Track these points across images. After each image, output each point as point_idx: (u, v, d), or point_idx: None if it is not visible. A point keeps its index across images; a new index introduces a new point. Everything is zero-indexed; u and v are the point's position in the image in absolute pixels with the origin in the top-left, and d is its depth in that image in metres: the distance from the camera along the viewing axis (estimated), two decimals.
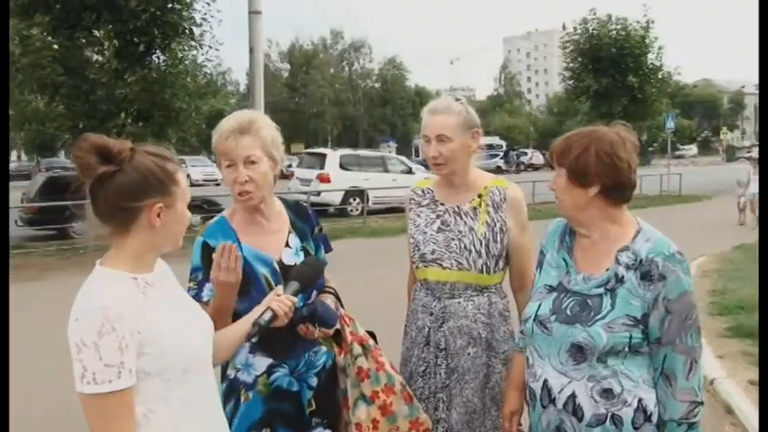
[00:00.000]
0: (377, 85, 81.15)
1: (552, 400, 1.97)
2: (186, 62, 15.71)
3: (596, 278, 1.97)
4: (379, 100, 78.48)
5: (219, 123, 2.27)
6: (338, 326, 2.32)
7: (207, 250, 2.24)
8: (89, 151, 1.59)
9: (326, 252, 2.51)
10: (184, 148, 18.83)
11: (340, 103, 75.58)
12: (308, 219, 2.48)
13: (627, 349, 1.89)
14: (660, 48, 26.88)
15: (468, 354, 2.51)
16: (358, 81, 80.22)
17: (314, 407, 2.33)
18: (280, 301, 1.96)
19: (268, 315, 1.93)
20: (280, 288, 2.04)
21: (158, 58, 15.30)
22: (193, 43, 15.47)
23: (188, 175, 28.04)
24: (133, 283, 1.63)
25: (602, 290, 1.94)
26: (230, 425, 2.25)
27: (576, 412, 1.92)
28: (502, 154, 52.52)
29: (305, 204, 2.54)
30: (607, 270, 1.95)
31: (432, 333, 2.54)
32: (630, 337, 1.88)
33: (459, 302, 2.51)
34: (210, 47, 15.88)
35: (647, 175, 22.10)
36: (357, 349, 2.33)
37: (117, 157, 1.61)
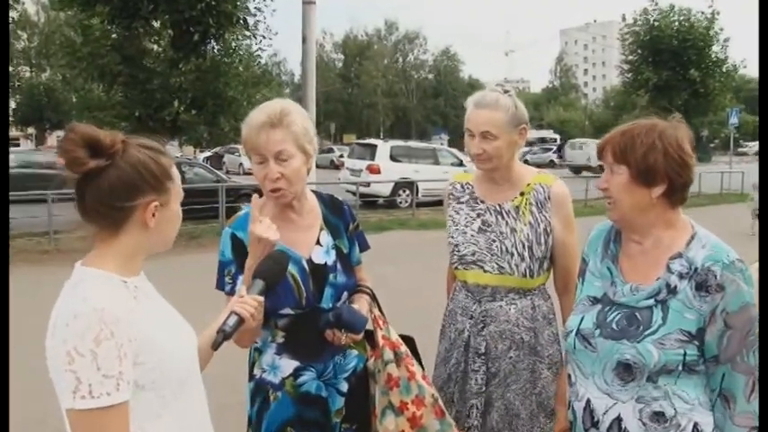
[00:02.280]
0: (430, 76, 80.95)
1: (595, 424, 1.81)
2: (240, 51, 15.88)
3: (645, 289, 1.80)
4: (431, 91, 78.31)
5: (249, 116, 2.14)
6: (371, 327, 2.22)
7: (237, 243, 2.16)
8: (78, 144, 1.42)
9: (363, 250, 2.39)
10: (236, 137, 19.05)
11: (393, 95, 75.62)
12: (343, 214, 2.35)
13: (680, 368, 1.72)
14: (726, 40, 25.96)
15: (510, 357, 2.38)
16: (411, 72, 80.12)
17: (344, 413, 2.22)
18: (243, 302, 1.79)
19: (233, 320, 1.74)
20: (243, 289, 1.88)
21: (212, 47, 15.50)
22: (247, 33, 15.65)
23: (240, 164, 28.39)
24: (123, 287, 1.48)
25: (651, 302, 1.78)
26: (258, 424, 2.20)
27: None
28: (555, 148, 51.57)
29: (340, 199, 2.41)
30: (657, 280, 1.79)
31: (471, 337, 2.42)
32: (685, 355, 1.71)
33: (501, 306, 2.39)
34: (264, 36, 16.04)
35: (708, 173, 21.37)
36: (388, 355, 2.21)
37: (109, 151, 1.45)
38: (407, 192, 18.91)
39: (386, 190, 19.09)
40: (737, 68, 27.34)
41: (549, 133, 60.14)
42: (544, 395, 2.39)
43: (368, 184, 18.64)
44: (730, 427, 1.73)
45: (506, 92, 2.40)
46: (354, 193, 16.73)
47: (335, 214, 2.33)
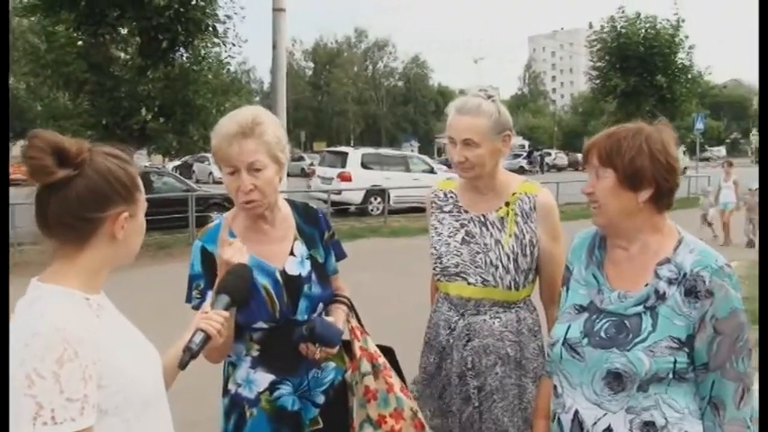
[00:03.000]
0: (400, 83, 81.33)
1: None
2: (209, 59, 15.71)
3: (634, 295, 1.75)
4: (401, 99, 78.64)
5: (218, 124, 2.05)
6: (348, 338, 2.15)
7: (207, 256, 2.07)
8: (45, 151, 1.33)
9: (339, 259, 2.32)
10: (206, 145, 18.87)
11: (363, 102, 75.79)
12: (318, 223, 2.27)
13: (671, 376, 1.68)
14: (690, 47, 26.42)
15: (497, 373, 2.31)
16: (381, 79, 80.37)
17: (321, 424, 2.15)
18: (208, 318, 1.69)
19: (199, 337, 1.64)
20: (207, 305, 1.79)
21: (181, 54, 15.31)
22: (216, 40, 15.48)
23: (210, 173, 28.09)
24: (86, 305, 1.40)
25: (640, 308, 1.73)
26: None
27: None
28: (525, 154, 52.06)
29: (315, 207, 2.34)
30: (646, 286, 1.74)
31: (455, 351, 2.35)
32: (675, 362, 1.67)
33: (485, 320, 2.32)
34: (234, 44, 15.90)
35: None
36: (366, 366, 2.15)
37: (76, 159, 1.37)
38: (379, 199, 18.90)
39: (357, 197, 19.08)
40: (702, 75, 27.83)
41: (518, 140, 60.63)
42: (529, 410, 2.32)
43: (339, 192, 18.62)
44: None
45: (490, 97, 2.32)
46: (326, 201, 16.69)
47: (310, 223, 2.26)
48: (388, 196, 18.20)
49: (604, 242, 1.90)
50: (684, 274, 1.70)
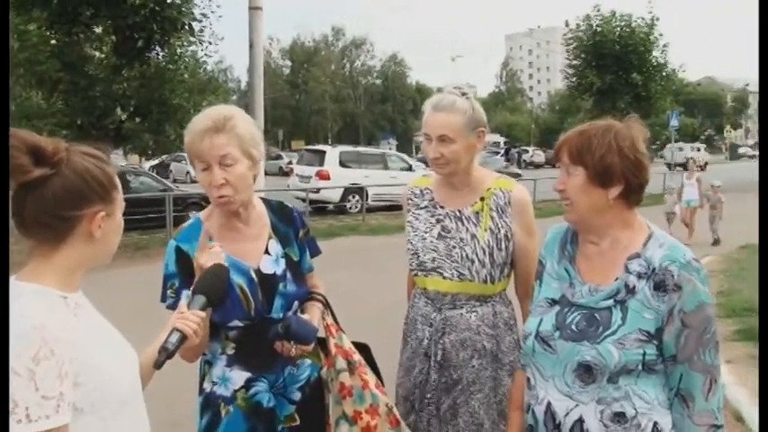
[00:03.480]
0: (378, 81, 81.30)
1: (557, 426, 1.78)
2: (185, 58, 15.60)
3: (604, 289, 1.78)
4: (379, 97, 78.61)
5: (191, 122, 2.06)
6: (323, 335, 2.17)
7: (181, 256, 2.07)
8: (21, 150, 1.33)
9: (314, 256, 2.33)
10: (183, 145, 18.72)
11: (341, 100, 75.64)
12: (293, 221, 2.28)
13: (640, 367, 1.71)
14: (665, 45, 26.76)
15: (473, 366, 2.35)
16: (359, 78, 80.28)
17: (297, 422, 2.17)
18: (184, 318, 1.69)
19: (175, 337, 1.64)
20: (184, 305, 1.78)
21: (157, 53, 15.18)
22: (192, 39, 15.37)
23: (187, 172, 27.82)
24: (63, 303, 1.40)
25: (611, 302, 1.76)
26: None
27: None
28: (503, 151, 52.30)
29: (290, 206, 2.35)
30: (616, 280, 1.77)
31: (432, 345, 2.38)
32: (644, 354, 1.70)
33: (462, 314, 2.35)
34: (210, 42, 15.80)
35: (651, 173, 21.88)
36: (341, 363, 2.18)
37: (52, 158, 1.37)
38: (357, 197, 18.90)
39: (335, 196, 19.06)
40: (677, 72, 28.19)
41: (495, 137, 61.03)
42: (504, 403, 2.36)
43: (317, 191, 18.59)
44: (689, 426, 1.72)
45: (464, 94, 2.36)
46: (304, 200, 16.65)
47: (285, 222, 2.27)
48: (367, 194, 18.19)
49: (576, 237, 1.93)
50: (653, 269, 1.73)
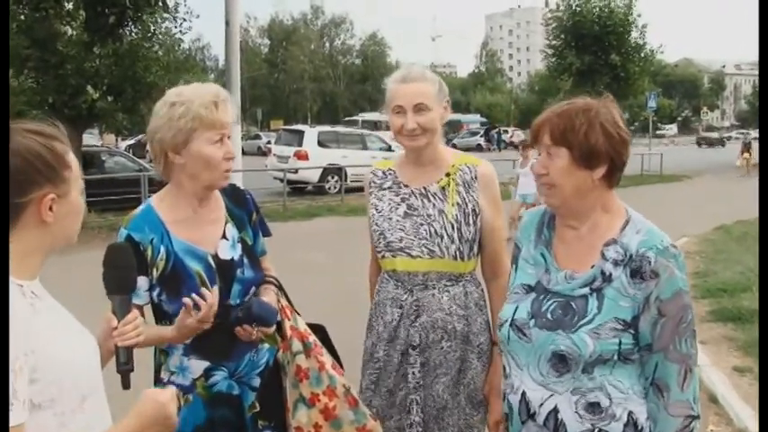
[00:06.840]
0: (357, 61, 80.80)
1: (531, 416, 1.74)
2: (159, 35, 15.27)
3: (580, 277, 1.72)
4: (359, 76, 78.16)
5: (189, 98, 2.02)
6: (279, 318, 2.12)
7: (133, 245, 1.97)
8: None
9: (265, 236, 2.28)
10: None
11: (320, 80, 75.13)
12: (246, 204, 2.23)
13: (616, 357, 1.67)
14: (644, 26, 26.80)
15: (442, 347, 2.29)
16: (338, 57, 79.73)
17: (258, 408, 2.13)
18: (120, 333, 1.57)
19: (124, 355, 1.55)
20: (112, 319, 1.59)
21: (130, 30, 14.83)
22: (166, 15, 15.03)
23: None
24: (19, 292, 1.30)
25: (587, 290, 1.70)
26: None
27: (559, 429, 1.70)
28: (483, 132, 52.32)
29: (242, 189, 2.29)
30: (592, 267, 1.72)
31: (401, 329, 2.31)
32: (620, 344, 1.65)
33: (434, 294, 2.29)
34: (185, 19, 15.47)
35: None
36: (297, 346, 2.14)
37: None
38: (336, 178, 18.79)
39: (314, 176, 18.95)
40: (655, 54, 28.28)
41: (476, 117, 61.10)
42: (472, 386, 2.33)
43: (296, 171, 18.50)
44: (665, 416, 1.68)
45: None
46: (282, 180, 16.50)
47: (239, 205, 2.22)
48: (346, 174, 18.08)
49: (553, 221, 1.87)
50: (630, 255, 1.68)
